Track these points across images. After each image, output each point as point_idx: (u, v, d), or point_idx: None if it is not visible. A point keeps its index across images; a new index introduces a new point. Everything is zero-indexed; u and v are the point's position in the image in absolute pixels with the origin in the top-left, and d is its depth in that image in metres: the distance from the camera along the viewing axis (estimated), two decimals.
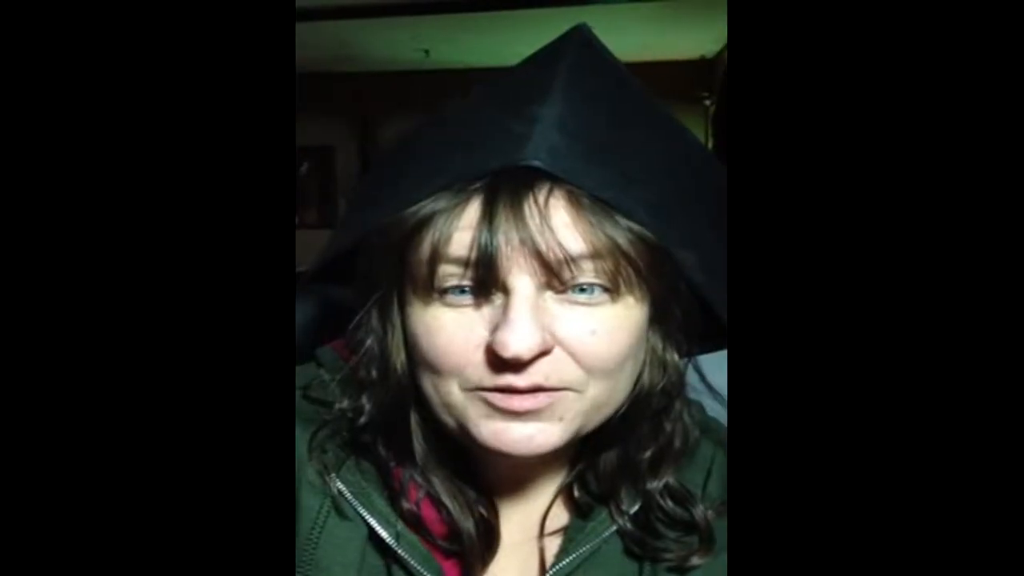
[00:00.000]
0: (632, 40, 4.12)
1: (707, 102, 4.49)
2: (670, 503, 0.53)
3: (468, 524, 0.51)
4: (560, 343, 0.45)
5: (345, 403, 0.52)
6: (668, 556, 0.52)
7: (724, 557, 0.53)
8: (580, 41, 0.50)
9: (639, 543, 0.53)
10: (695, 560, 0.52)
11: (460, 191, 0.45)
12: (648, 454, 0.52)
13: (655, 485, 0.52)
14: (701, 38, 4.27)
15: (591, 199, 0.45)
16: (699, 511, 0.53)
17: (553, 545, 0.54)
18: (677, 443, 0.53)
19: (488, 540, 0.52)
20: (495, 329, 0.44)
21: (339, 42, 4.24)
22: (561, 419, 0.47)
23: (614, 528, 0.53)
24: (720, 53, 4.50)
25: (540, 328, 0.44)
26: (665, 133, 0.52)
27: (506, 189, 0.44)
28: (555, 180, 0.45)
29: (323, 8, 3.50)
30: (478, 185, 0.45)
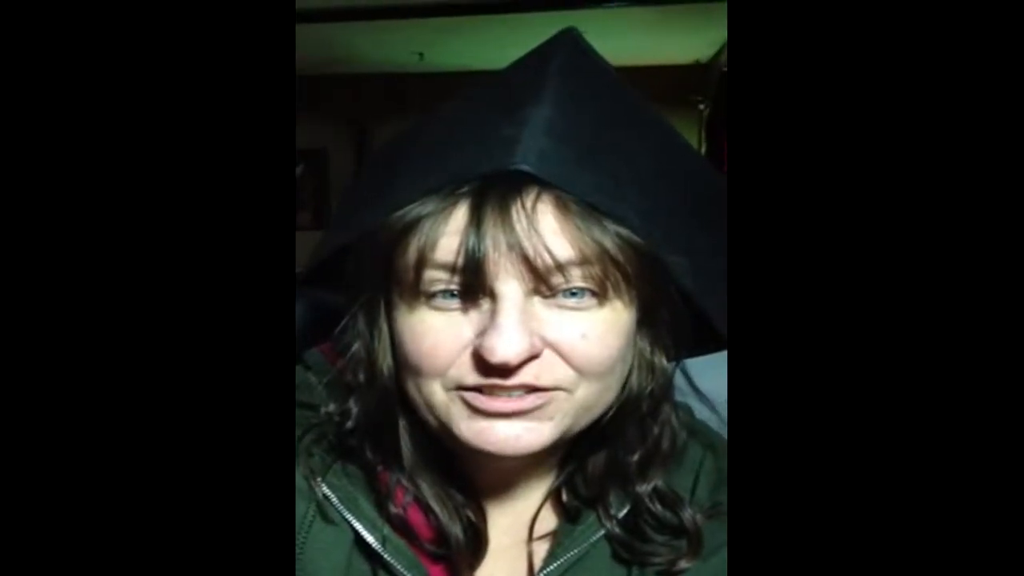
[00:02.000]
0: (626, 44, 4.13)
1: (701, 106, 4.50)
2: (658, 506, 0.53)
3: (455, 528, 0.51)
4: (551, 346, 0.45)
5: (332, 407, 0.51)
6: (656, 560, 0.52)
7: (712, 561, 0.53)
8: (569, 44, 0.50)
9: (627, 547, 0.53)
10: (683, 564, 0.52)
11: (448, 195, 0.45)
12: (636, 457, 0.52)
13: (644, 488, 0.52)
14: (695, 42, 4.28)
15: (579, 203, 0.44)
16: (687, 514, 0.53)
17: (541, 549, 0.54)
18: (665, 445, 0.53)
19: (475, 544, 0.52)
20: (482, 333, 0.44)
21: (332, 45, 4.24)
22: (551, 419, 0.47)
23: (602, 532, 0.53)
24: (714, 57, 4.51)
25: (528, 333, 0.44)
26: (656, 136, 0.52)
27: (494, 193, 0.44)
28: (543, 184, 0.44)
29: (317, 10, 3.49)
30: (466, 189, 0.45)
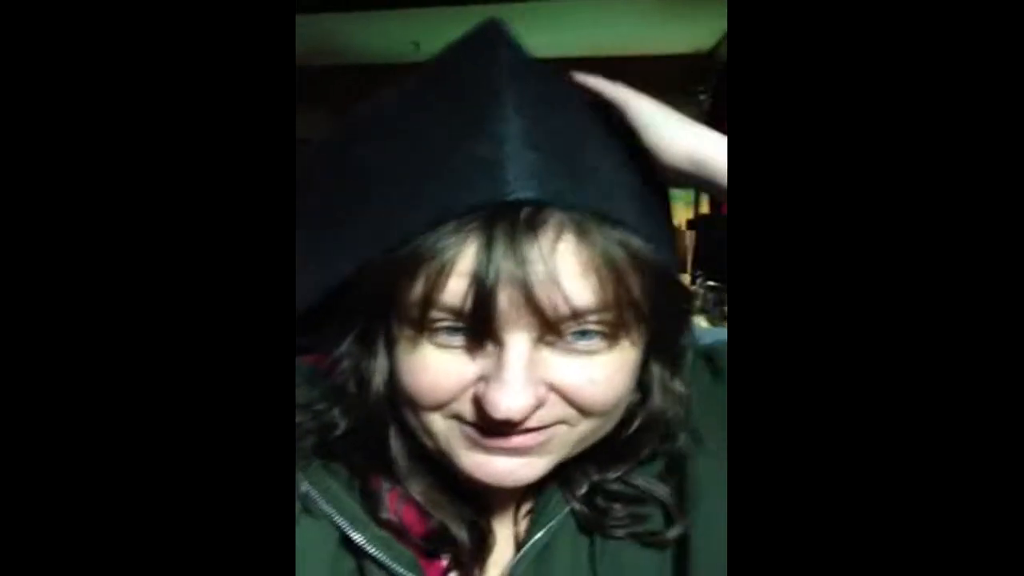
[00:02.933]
0: (625, 33, 4.10)
1: (702, 97, 4.47)
2: (613, 486, 0.52)
3: (460, 532, 0.50)
4: (556, 390, 0.44)
5: (321, 406, 0.50)
6: (620, 532, 0.51)
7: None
8: (503, 38, 0.47)
9: (592, 521, 0.52)
10: (660, 533, 0.50)
11: (457, 230, 0.41)
12: (606, 454, 0.51)
13: (605, 477, 0.52)
14: (697, 31, 4.25)
15: (600, 230, 0.42)
16: (641, 482, 0.52)
17: (522, 527, 0.54)
18: (641, 454, 0.52)
19: (482, 543, 0.51)
20: (486, 379, 0.42)
21: (327, 34, 4.22)
22: (550, 453, 0.46)
23: (568, 508, 0.52)
24: (716, 47, 4.48)
25: (534, 384, 0.42)
26: (607, 126, 0.49)
27: (503, 228, 0.40)
28: (549, 206, 0.42)
29: (314, 1, 3.47)
30: (474, 224, 0.41)
